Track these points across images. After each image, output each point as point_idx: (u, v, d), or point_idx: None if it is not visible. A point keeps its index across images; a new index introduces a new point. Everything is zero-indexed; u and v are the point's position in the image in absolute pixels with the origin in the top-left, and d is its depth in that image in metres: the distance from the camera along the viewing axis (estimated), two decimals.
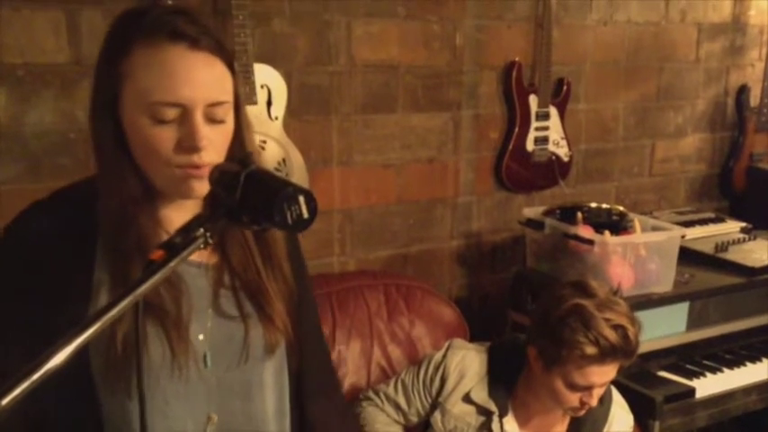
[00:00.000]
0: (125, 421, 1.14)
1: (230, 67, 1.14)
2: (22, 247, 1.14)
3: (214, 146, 1.11)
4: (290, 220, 0.96)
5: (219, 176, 1.05)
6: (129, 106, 1.09)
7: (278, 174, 1.03)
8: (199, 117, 1.08)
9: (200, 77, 1.09)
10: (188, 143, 1.08)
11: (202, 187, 1.09)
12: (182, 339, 1.15)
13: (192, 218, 0.98)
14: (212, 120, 1.10)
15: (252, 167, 1.01)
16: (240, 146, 1.18)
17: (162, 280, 0.92)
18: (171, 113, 1.07)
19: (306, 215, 0.98)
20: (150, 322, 1.13)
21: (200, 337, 1.19)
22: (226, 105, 1.12)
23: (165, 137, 1.08)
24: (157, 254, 0.93)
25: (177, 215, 1.09)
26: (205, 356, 1.19)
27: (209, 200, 1.15)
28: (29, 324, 1.08)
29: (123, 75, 1.08)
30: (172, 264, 0.92)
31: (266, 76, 2.33)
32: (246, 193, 0.99)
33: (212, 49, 1.10)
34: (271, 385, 1.28)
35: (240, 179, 1.00)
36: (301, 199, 0.97)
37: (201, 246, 0.96)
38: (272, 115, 2.35)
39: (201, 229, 0.96)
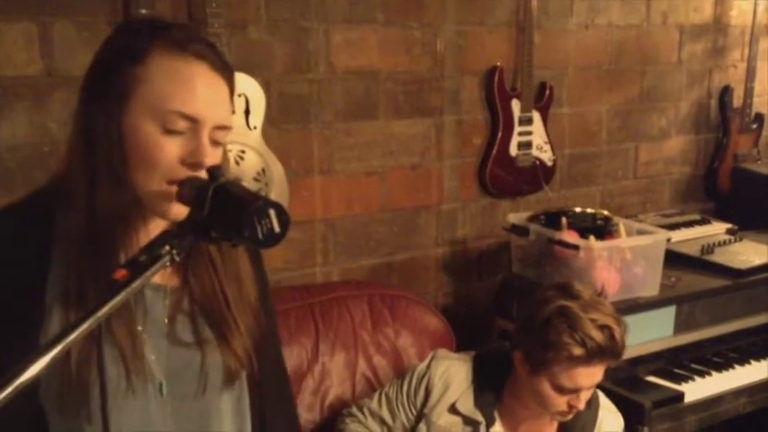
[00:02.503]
0: None
1: (232, 97, 1.15)
2: None
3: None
4: (260, 235, 0.93)
5: (187, 191, 1.02)
6: (137, 112, 1.07)
7: (249, 187, 0.99)
8: (206, 135, 1.08)
9: (216, 99, 1.10)
10: (193, 159, 1.06)
11: (183, 211, 1.06)
12: (137, 358, 1.12)
13: (158, 235, 0.95)
14: (214, 142, 1.10)
15: (221, 180, 0.98)
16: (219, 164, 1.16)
17: (124, 300, 0.88)
18: (182, 125, 1.06)
19: (277, 229, 0.95)
20: (105, 343, 1.09)
21: (155, 364, 1.15)
22: (226, 131, 1.12)
23: (170, 148, 1.06)
24: (120, 273, 0.90)
25: (152, 232, 1.06)
26: (161, 385, 1.16)
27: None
28: None
29: (139, 78, 1.07)
30: (135, 284, 0.89)
31: (244, 85, 2.30)
32: (215, 207, 0.96)
33: (224, 75, 1.12)
34: (230, 414, 1.24)
35: (208, 192, 0.97)
36: (272, 212, 0.94)
37: (168, 264, 0.93)
38: (251, 125, 2.32)
39: (167, 247, 0.93)
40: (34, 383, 1.02)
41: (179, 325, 1.18)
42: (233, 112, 1.16)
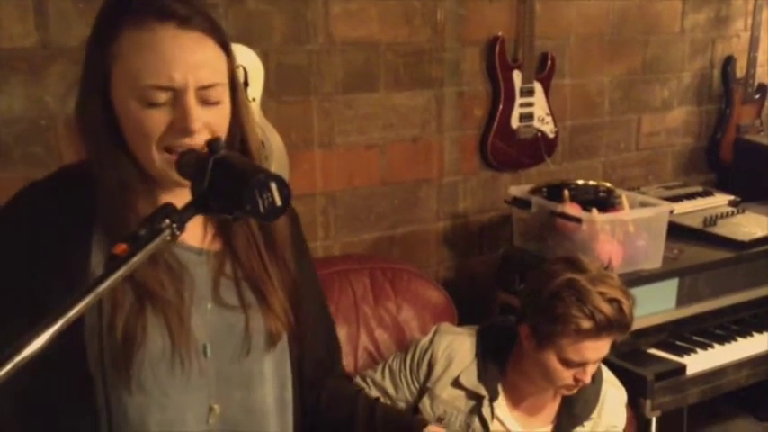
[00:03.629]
0: (122, 414, 1.11)
1: (224, 47, 1.10)
2: (20, 229, 1.11)
3: (210, 128, 1.07)
4: (261, 209, 0.92)
5: (187, 163, 1.01)
6: (119, 89, 1.06)
7: (249, 160, 0.98)
8: (191, 99, 1.04)
9: (191, 59, 1.04)
10: (181, 126, 1.04)
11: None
12: (183, 329, 1.11)
13: (159, 207, 0.93)
14: (207, 102, 1.06)
15: (220, 153, 0.97)
16: (239, 129, 1.14)
17: (126, 275, 0.87)
18: (162, 97, 1.04)
19: (279, 203, 0.93)
20: (151, 311, 1.09)
21: (200, 327, 1.15)
22: (219, 88, 1.08)
23: (157, 120, 1.04)
24: (120, 248, 0.88)
25: (179, 202, 1.04)
26: (205, 347, 1.16)
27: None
28: (25, 306, 1.06)
29: (113, 57, 1.05)
30: (136, 258, 0.87)
31: (242, 57, 2.26)
32: (215, 181, 0.95)
33: (204, 29, 1.06)
34: (272, 377, 1.25)
35: (208, 165, 0.95)
36: (273, 186, 0.92)
37: (168, 238, 0.91)
38: (249, 97, 2.28)
39: (167, 220, 0.91)
40: (78, 349, 1.07)
41: (223, 288, 1.18)
42: (229, 63, 1.11)
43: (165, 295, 1.10)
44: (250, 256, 1.19)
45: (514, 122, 2.89)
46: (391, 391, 2.01)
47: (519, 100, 2.88)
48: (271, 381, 1.24)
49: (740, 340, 2.57)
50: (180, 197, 1.09)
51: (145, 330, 1.08)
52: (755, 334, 2.62)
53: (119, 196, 1.09)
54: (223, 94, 1.09)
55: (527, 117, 2.91)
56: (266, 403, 1.24)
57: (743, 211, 2.97)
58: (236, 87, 1.13)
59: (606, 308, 1.75)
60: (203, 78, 1.05)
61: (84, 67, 1.10)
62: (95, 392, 1.10)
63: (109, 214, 1.09)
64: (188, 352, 1.12)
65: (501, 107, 2.85)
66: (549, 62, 2.94)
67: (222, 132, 1.10)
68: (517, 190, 2.66)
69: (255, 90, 2.30)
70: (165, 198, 1.11)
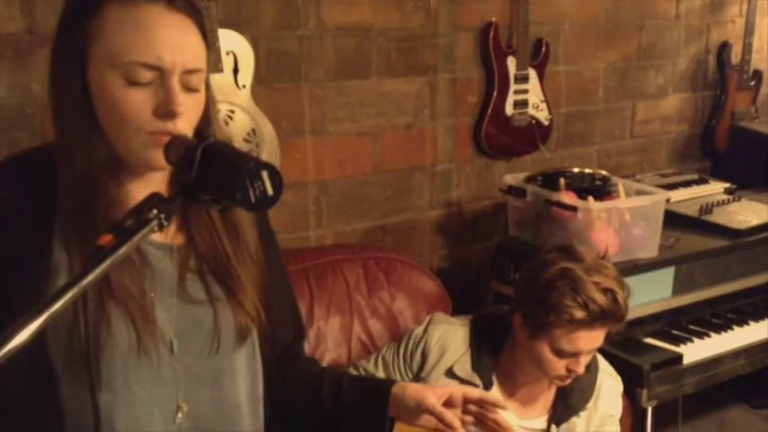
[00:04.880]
0: (85, 412, 1.06)
1: (203, 35, 1.08)
2: None
3: (188, 115, 1.04)
4: (252, 198, 0.88)
5: (175, 151, 0.97)
6: (98, 67, 1.01)
7: (240, 147, 0.94)
8: (176, 82, 1.01)
9: (179, 41, 1.02)
10: (164, 108, 1.00)
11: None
12: (148, 322, 1.08)
13: (145, 198, 0.90)
14: (188, 88, 1.03)
15: (210, 140, 0.93)
16: (207, 123, 1.11)
17: (112, 267, 0.84)
18: (147, 75, 1.00)
19: (270, 192, 0.89)
20: (114, 305, 1.06)
21: (166, 323, 1.12)
22: (201, 74, 1.06)
23: (139, 100, 1.01)
24: (105, 239, 0.85)
25: (143, 191, 1.01)
26: (172, 343, 1.13)
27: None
28: None
29: (92, 34, 1.01)
30: (121, 250, 0.84)
31: (232, 43, 2.22)
32: (204, 170, 0.91)
33: (188, 13, 1.04)
34: (243, 372, 1.22)
35: (196, 154, 0.91)
36: (264, 174, 0.89)
37: (156, 229, 0.87)
38: (240, 83, 2.25)
39: (155, 210, 0.87)
40: (40, 347, 1.03)
41: (189, 283, 1.15)
42: (207, 52, 1.08)
43: (126, 288, 1.07)
44: (213, 250, 1.16)
45: (509, 109, 2.86)
46: None
47: (513, 87, 2.85)
48: (243, 376, 1.22)
49: (737, 329, 2.56)
50: (148, 183, 1.09)
51: (110, 325, 1.05)
52: (752, 323, 2.61)
53: (86, 180, 1.04)
54: (202, 83, 1.07)
55: (521, 104, 2.88)
56: (238, 399, 1.22)
57: (739, 199, 2.96)
58: (208, 80, 1.11)
59: (600, 298, 1.73)
60: (189, 62, 1.03)
61: (56, 45, 1.06)
62: (60, 391, 1.07)
63: (73, 199, 1.05)
64: (155, 345, 1.09)
65: (495, 94, 2.82)
66: (544, 48, 2.91)
67: (196, 122, 1.07)
68: (512, 178, 2.63)
69: (245, 77, 2.26)
70: (133, 185, 1.09)
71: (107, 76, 1.01)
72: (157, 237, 1.10)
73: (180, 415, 1.14)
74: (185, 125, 1.03)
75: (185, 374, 1.14)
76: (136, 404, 1.10)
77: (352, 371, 2.05)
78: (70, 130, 1.05)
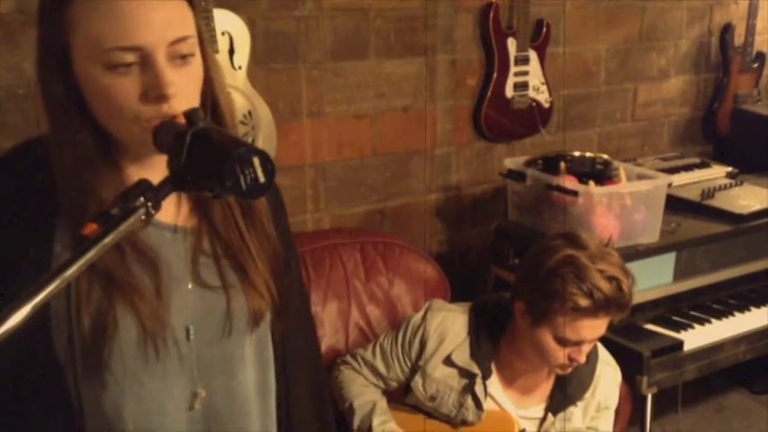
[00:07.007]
0: (95, 407, 1.06)
1: (189, 1, 1.01)
2: None
3: (184, 92, 0.98)
4: (243, 186, 0.85)
5: (164, 137, 0.93)
6: (80, 57, 0.97)
7: (230, 132, 0.90)
8: (162, 60, 0.95)
9: (157, 15, 0.95)
10: (155, 92, 0.95)
11: None
12: (157, 318, 1.05)
13: (133, 184, 0.86)
14: (178, 57, 0.97)
15: (199, 125, 0.89)
16: (210, 87, 1.05)
17: (95, 258, 0.80)
18: (129, 58, 0.94)
19: (262, 179, 0.86)
20: (120, 301, 1.02)
21: (182, 310, 1.09)
22: (190, 40, 0.99)
23: (126, 86, 0.95)
24: (90, 228, 0.81)
25: (151, 175, 0.97)
26: (188, 330, 1.09)
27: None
28: None
29: (69, 23, 0.96)
30: (107, 240, 0.80)
31: (227, 23, 2.18)
32: (193, 155, 0.87)
33: None
34: (252, 360, 1.19)
35: (186, 139, 0.87)
36: (256, 161, 0.85)
37: (143, 217, 0.84)
38: (236, 64, 2.21)
39: (142, 198, 0.84)
40: (46, 344, 1.01)
41: (202, 267, 1.11)
42: (195, 17, 1.01)
43: (134, 284, 1.04)
44: (228, 229, 1.13)
45: (509, 92, 2.82)
46: (382, 369, 1.96)
47: (513, 68, 2.81)
48: (252, 364, 1.19)
49: (738, 315, 2.54)
50: (153, 170, 1.03)
51: (116, 323, 1.02)
52: (753, 309, 2.59)
53: (75, 176, 1.01)
54: (194, 48, 1.00)
55: (522, 86, 2.84)
56: (248, 387, 1.19)
57: (741, 184, 2.93)
58: (204, 44, 1.04)
59: (605, 286, 1.70)
60: (171, 33, 0.96)
61: (38, 37, 1.01)
62: (66, 385, 1.04)
63: (69, 194, 1.02)
64: (163, 340, 1.06)
65: (495, 76, 2.78)
66: (545, 29, 2.87)
67: (197, 94, 1.02)
68: (512, 162, 2.60)
69: (241, 58, 2.23)
70: (136, 173, 1.05)
71: (90, 67, 0.96)
72: (169, 219, 1.09)
73: (197, 402, 1.12)
74: (183, 103, 0.96)
75: (197, 362, 1.12)
76: (144, 396, 1.08)
77: (350, 360, 2.03)
78: (57, 125, 1.01)
